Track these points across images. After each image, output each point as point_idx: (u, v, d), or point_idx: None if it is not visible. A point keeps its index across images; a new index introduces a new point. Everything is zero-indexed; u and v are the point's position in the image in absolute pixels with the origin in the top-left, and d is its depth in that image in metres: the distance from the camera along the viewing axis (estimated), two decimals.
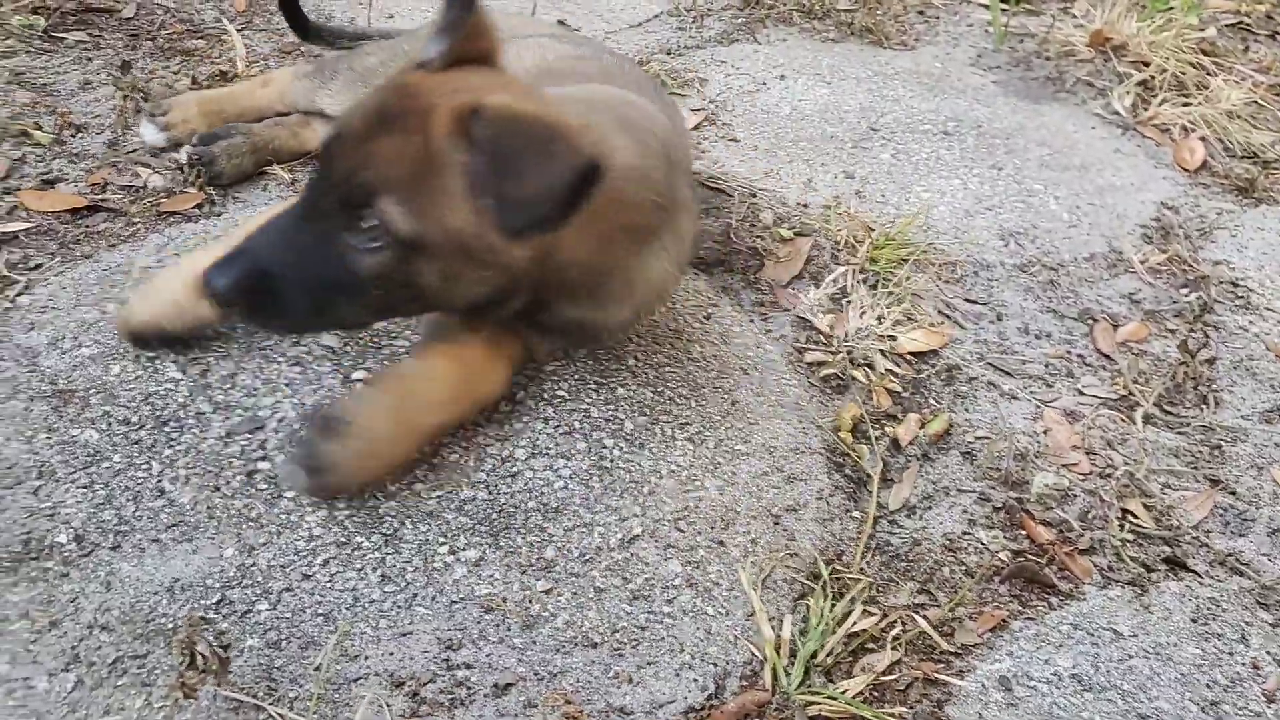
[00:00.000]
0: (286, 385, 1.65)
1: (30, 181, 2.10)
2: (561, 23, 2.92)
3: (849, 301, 2.06)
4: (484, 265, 1.38)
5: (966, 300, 2.18)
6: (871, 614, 1.45)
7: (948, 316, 2.12)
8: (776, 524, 1.59)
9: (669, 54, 2.96)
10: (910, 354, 1.99)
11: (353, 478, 1.44)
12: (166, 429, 1.54)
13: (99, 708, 1.21)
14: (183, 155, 2.16)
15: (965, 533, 1.64)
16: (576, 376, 1.77)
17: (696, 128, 2.58)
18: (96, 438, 1.51)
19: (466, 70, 1.42)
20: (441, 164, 1.30)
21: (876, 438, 1.79)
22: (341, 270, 1.35)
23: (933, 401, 1.91)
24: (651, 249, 1.62)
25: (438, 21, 1.44)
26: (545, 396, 1.72)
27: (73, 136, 2.26)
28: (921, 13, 3.41)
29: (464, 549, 1.46)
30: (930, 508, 1.69)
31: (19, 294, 1.78)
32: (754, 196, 2.32)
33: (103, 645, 1.25)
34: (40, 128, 2.27)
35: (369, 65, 2.15)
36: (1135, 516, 1.69)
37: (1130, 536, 1.66)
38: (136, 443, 1.52)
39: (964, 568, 1.58)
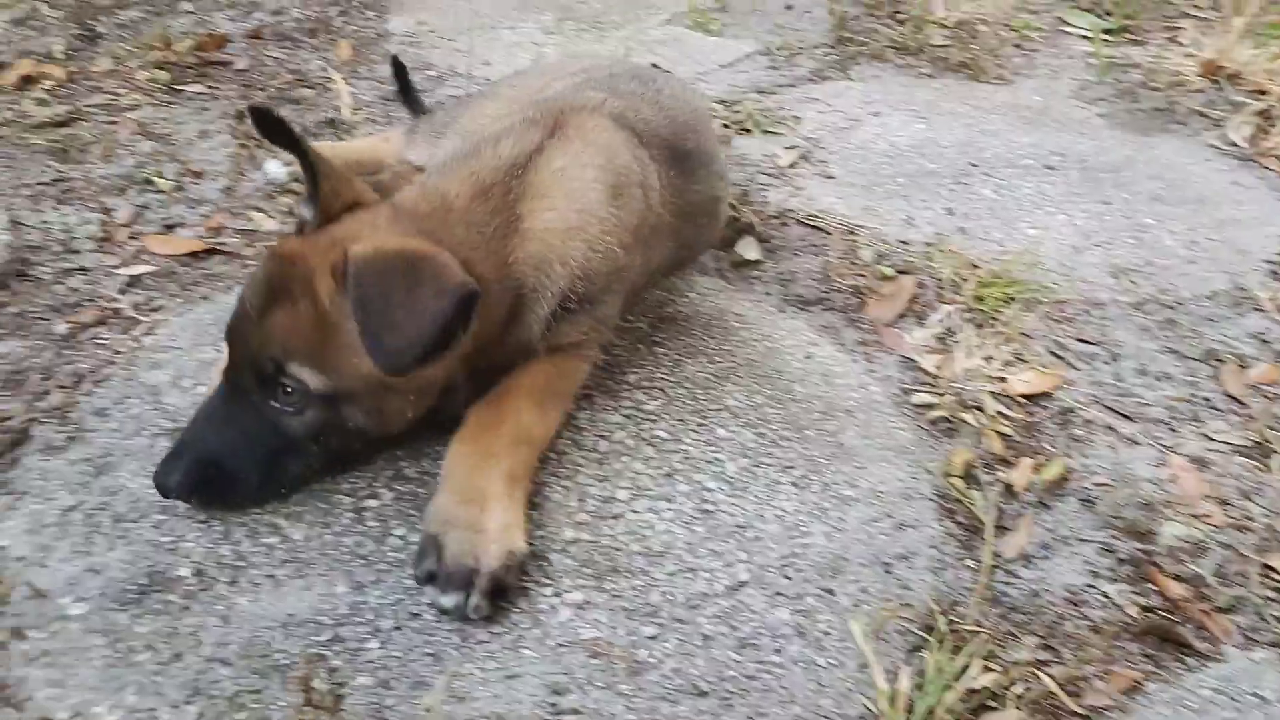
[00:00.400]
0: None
1: (153, 226, 2.20)
2: (655, 65, 2.95)
3: (956, 341, 2.01)
4: (406, 393, 1.46)
5: (1079, 340, 2.10)
6: (991, 669, 1.38)
7: (1059, 357, 2.04)
8: (888, 572, 1.54)
9: (761, 92, 2.96)
10: (1022, 396, 1.92)
11: (506, 559, 1.41)
12: None
13: None
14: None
15: (1088, 585, 1.57)
16: (676, 417, 1.75)
17: (791, 165, 2.57)
18: None
19: (343, 219, 1.48)
20: (334, 321, 1.38)
21: (989, 483, 1.73)
22: (279, 437, 1.44)
23: (1047, 446, 1.84)
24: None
25: (304, 188, 1.51)
26: (644, 437, 1.71)
27: (192, 183, 2.36)
28: (1019, 46, 3.35)
29: (568, 591, 1.44)
30: (1049, 558, 1.62)
31: (145, 334, 1.85)
32: (852, 234, 2.29)
33: (222, 679, 1.27)
34: (162, 175, 2.38)
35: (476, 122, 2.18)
36: (1278, 573, 1.59)
37: (1273, 594, 1.56)
38: None
39: (1089, 623, 1.50)
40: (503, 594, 1.39)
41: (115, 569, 1.40)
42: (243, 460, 1.44)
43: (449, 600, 1.36)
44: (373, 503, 1.53)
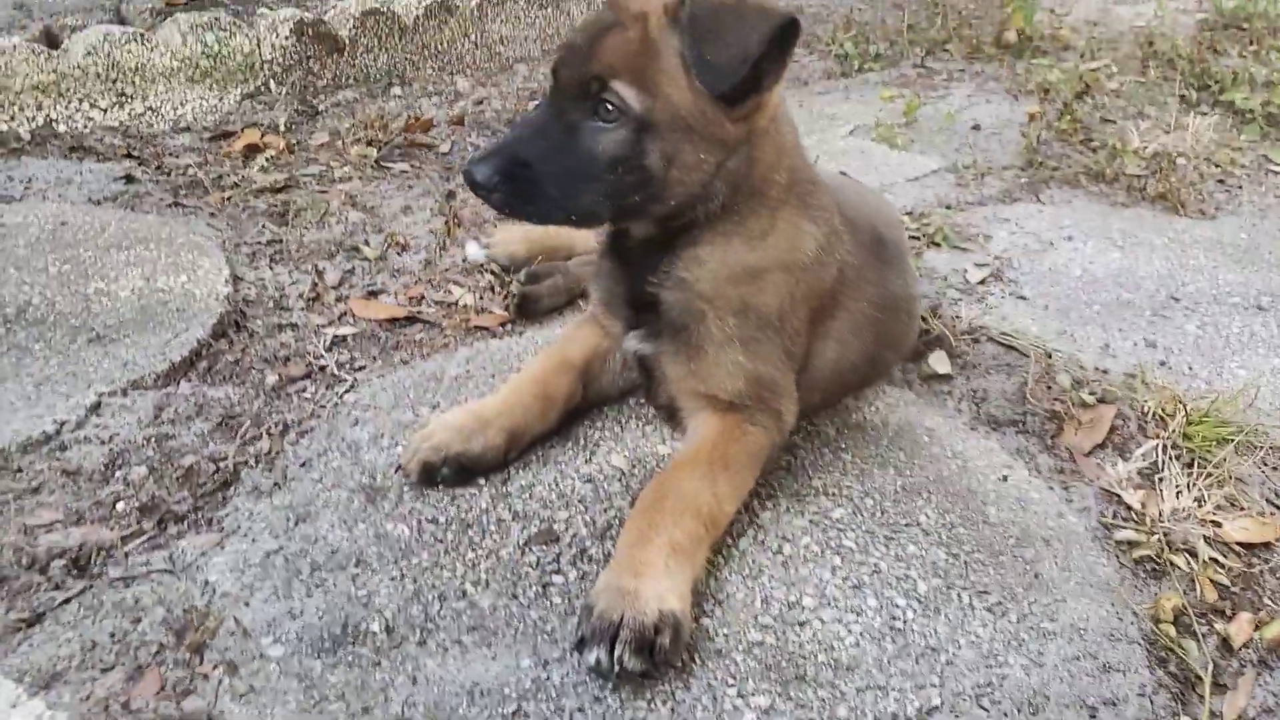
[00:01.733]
0: (580, 501, 1.67)
1: (358, 291, 2.31)
2: (843, 173, 2.97)
3: (1161, 479, 1.89)
4: (700, 141, 1.56)
5: None
6: None
7: (1278, 508, 1.89)
8: (1093, 717, 1.43)
9: (948, 208, 2.93)
10: (1239, 544, 1.79)
11: (657, 618, 1.37)
12: (469, 532, 1.59)
13: None
14: (507, 283, 2.30)
15: None
16: (864, 528, 1.69)
17: (982, 282, 2.52)
18: (407, 534, 1.58)
19: None
20: (659, 49, 1.52)
21: (1204, 634, 1.60)
22: (585, 155, 1.54)
23: (1268, 601, 1.69)
24: (798, 217, 1.71)
25: None
26: (831, 545, 1.65)
27: (396, 254, 2.48)
28: (1221, 181, 3.23)
29: (753, 694, 1.39)
30: None
31: (346, 391, 1.93)
32: (1049, 357, 2.21)
33: None
34: (368, 244, 2.51)
35: None
36: None
37: None
38: (442, 542, 1.57)
39: None
40: (654, 652, 1.33)
41: (311, 615, 1.42)
42: (548, 170, 1.53)
43: (592, 656, 1.33)
44: (558, 579, 1.52)
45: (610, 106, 1.51)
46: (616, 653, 1.31)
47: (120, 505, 1.60)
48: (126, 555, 1.50)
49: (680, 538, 1.48)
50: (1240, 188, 3.21)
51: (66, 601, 1.43)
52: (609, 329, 1.84)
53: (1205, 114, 3.72)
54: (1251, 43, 4.69)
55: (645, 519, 1.50)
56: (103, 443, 1.74)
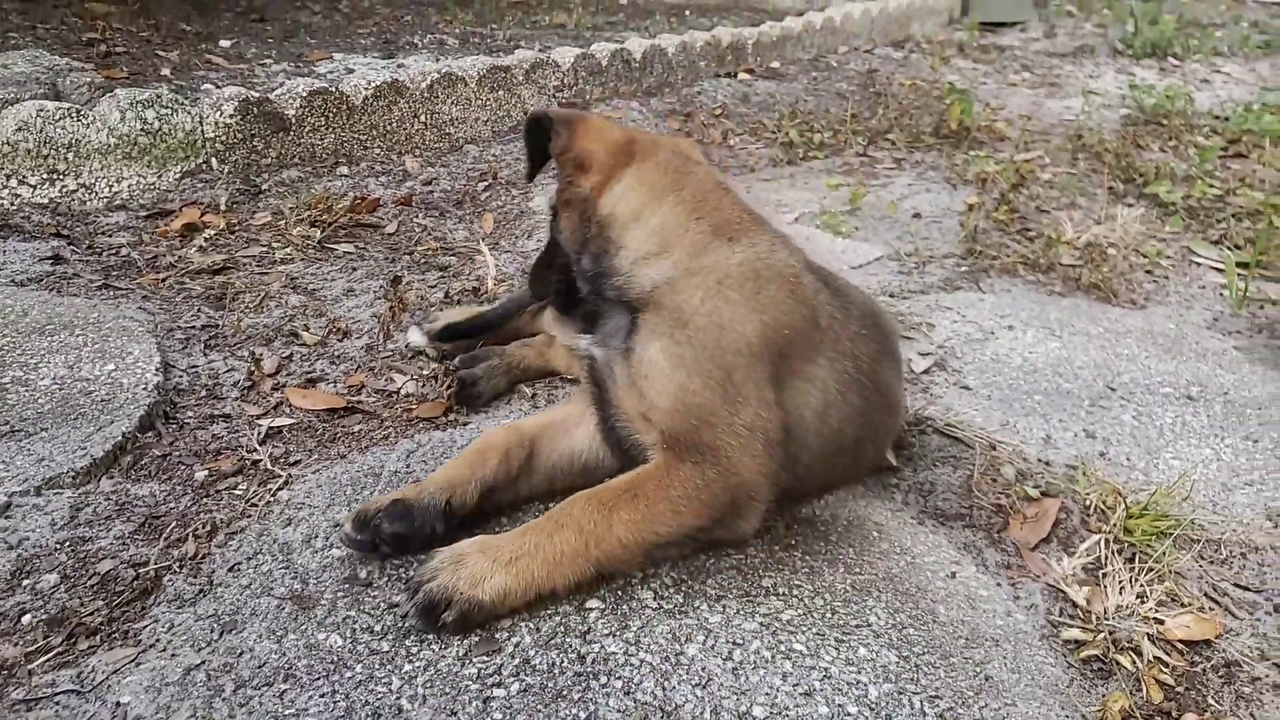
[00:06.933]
0: (524, 609, 1.61)
1: (296, 379, 2.24)
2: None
3: (1105, 574, 1.89)
4: (568, 206, 1.84)
5: (1236, 585, 1.96)
6: None
7: (1217, 602, 1.90)
8: None
9: (892, 296, 2.97)
10: (1181, 641, 1.78)
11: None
12: (407, 642, 1.52)
13: None
14: (450, 371, 2.26)
15: None
16: (815, 629, 1.66)
17: (926, 372, 2.54)
18: (340, 644, 1.50)
19: None
20: None
21: None
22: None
23: (1212, 702, 1.68)
24: (729, 247, 1.78)
25: None
26: (782, 649, 1.61)
27: (337, 339, 2.42)
28: (1149, 272, 3.33)
29: None
30: None
31: (280, 488, 1.85)
32: (994, 449, 2.22)
33: None
34: (309, 329, 2.45)
35: None
36: None
37: None
38: (377, 653, 1.50)
39: None
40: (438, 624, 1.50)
41: None
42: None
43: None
44: (500, 692, 1.46)
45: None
46: (405, 605, 1.52)
47: (26, 618, 1.50)
48: (30, 674, 1.40)
49: (548, 546, 1.56)
50: (1167, 278, 3.31)
51: None
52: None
53: (1132, 205, 3.86)
54: (1171, 138, 4.91)
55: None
56: (10, 548, 1.63)
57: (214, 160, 3.32)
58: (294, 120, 3.48)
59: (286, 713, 1.38)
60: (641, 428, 1.72)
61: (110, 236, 2.90)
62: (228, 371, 2.25)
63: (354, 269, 2.81)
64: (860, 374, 1.86)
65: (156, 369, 2.15)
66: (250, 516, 1.78)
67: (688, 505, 1.62)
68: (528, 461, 1.82)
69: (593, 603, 1.64)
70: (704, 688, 1.52)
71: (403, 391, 2.20)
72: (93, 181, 3.10)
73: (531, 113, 1.93)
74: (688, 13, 7.14)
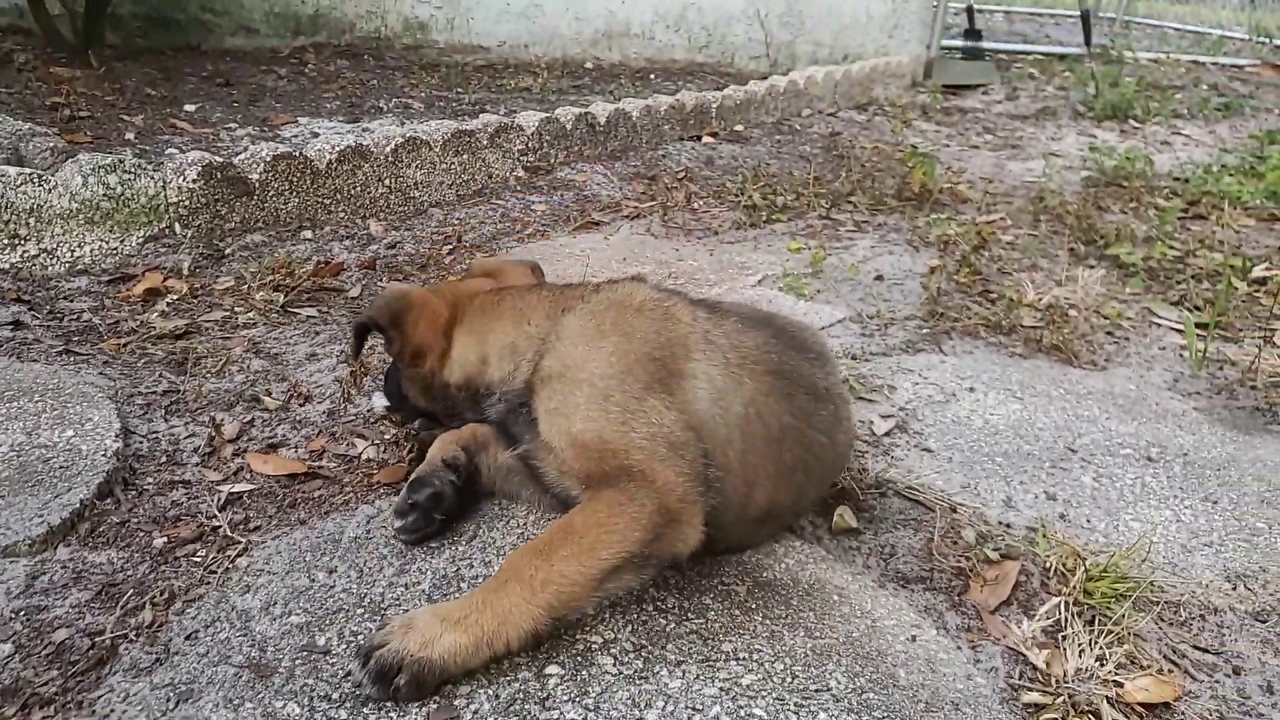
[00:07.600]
0: (484, 675, 1.60)
1: (257, 444, 2.23)
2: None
3: (1065, 637, 1.90)
4: (415, 381, 2.11)
5: (1195, 648, 1.98)
6: None
7: (1176, 665, 1.92)
8: None
9: (854, 358, 3.01)
10: (1140, 704, 1.79)
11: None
12: (365, 710, 1.50)
13: None
14: (412, 435, 2.27)
15: None
16: (775, 694, 1.66)
17: (888, 434, 2.56)
18: (298, 712, 1.48)
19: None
20: None
21: None
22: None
23: None
24: (565, 314, 1.95)
25: None
26: (742, 715, 1.61)
27: (299, 404, 2.42)
28: (1110, 333, 3.39)
29: None
30: None
31: (239, 554, 1.84)
32: (954, 511, 2.24)
33: None
34: (270, 394, 2.45)
35: None
36: None
37: None
38: None
39: None
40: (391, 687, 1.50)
41: None
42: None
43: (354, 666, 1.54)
44: None
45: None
46: (358, 674, 1.51)
47: None
48: None
49: (495, 601, 1.58)
50: (1128, 339, 3.37)
51: None
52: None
53: (1093, 267, 3.95)
54: (1131, 200, 5.04)
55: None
56: None
57: (177, 225, 3.33)
58: (258, 184, 3.51)
59: None
60: (569, 484, 1.79)
61: (72, 301, 2.89)
62: (188, 437, 2.23)
63: (316, 333, 2.82)
64: (747, 361, 1.92)
65: (116, 435, 2.13)
66: (209, 584, 1.76)
67: (620, 523, 1.64)
68: (487, 440, 2.07)
69: (552, 668, 1.63)
70: None
71: (364, 456, 2.20)
72: (54, 246, 3.10)
73: (356, 322, 2.12)
74: (653, 76, 7.27)
